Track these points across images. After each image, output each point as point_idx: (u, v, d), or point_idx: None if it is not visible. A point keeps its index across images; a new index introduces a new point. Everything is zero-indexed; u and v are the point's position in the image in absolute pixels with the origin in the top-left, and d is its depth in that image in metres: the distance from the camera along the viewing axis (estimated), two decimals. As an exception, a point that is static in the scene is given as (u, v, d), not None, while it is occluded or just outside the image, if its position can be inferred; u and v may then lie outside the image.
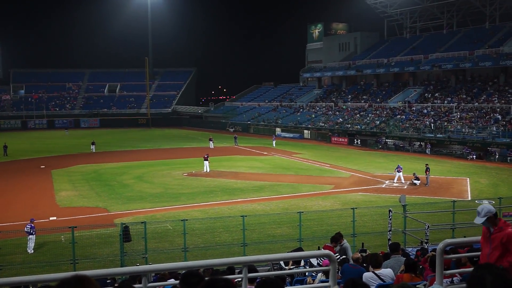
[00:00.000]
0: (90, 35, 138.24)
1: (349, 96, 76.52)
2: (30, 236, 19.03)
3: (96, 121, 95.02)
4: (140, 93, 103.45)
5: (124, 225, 17.84)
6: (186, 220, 18.77)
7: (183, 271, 3.86)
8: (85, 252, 18.42)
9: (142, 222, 18.22)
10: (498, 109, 52.37)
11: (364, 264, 9.61)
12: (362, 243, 17.49)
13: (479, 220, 6.35)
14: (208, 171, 38.39)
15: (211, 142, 56.34)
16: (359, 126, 62.60)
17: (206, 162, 38.72)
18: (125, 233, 17.52)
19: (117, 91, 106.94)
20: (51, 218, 24.14)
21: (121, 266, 16.12)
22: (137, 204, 27.56)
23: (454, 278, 7.51)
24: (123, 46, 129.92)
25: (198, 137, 70.72)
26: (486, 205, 6.60)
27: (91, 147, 53.32)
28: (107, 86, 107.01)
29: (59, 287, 2.55)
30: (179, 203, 27.61)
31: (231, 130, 79.91)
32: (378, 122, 61.27)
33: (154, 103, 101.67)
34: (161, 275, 10.36)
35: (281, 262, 12.85)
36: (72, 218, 23.80)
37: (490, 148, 46.48)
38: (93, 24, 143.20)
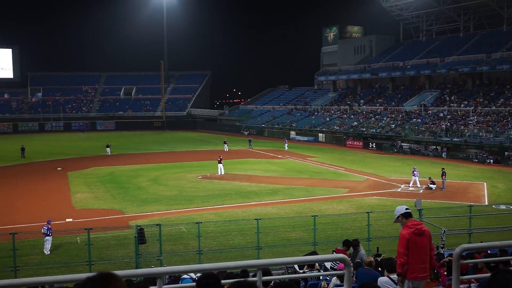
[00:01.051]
0: (106, 39, 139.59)
1: (364, 99, 76.15)
2: (47, 238, 19.23)
3: (111, 123, 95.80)
4: (156, 96, 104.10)
5: (139, 227, 17.94)
6: (201, 222, 18.81)
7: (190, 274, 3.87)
8: (100, 254, 18.55)
9: (157, 225, 18.30)
10: (516, 113, 51.66)
11: (379, 269, 9.54)
12: (377, 248, 17.36)
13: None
14: (222, 174, 38.46)
15: (225, 145, 56.45)
16: (374, 130, 62.23)
17: (220, 165, 38.80)
18: (140, 235, 17.62)
19: (132, 94, 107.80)
20: (67, 220, 24.38)
21: (136, 268, 16.21)
22: (152, 206, 27.71)
23: (471, 284, 7.42)
24: (138, 49, 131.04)
25: (213, 140, 70.91)
26: (399, 207, 7.43)
27: (107, 150, 53.76)
28: (122, 89, 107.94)
29: (85, 285, 2.57)
30: (193, 206, 27.69)
31: (246, 133, 80.00)
32: (393, 125, 60.85)
33: (169, 106, 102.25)
34: (175, 277, 10.41)
35: (295, 266, 12.82)
36: (88, 220, 24.01)
37: (508, 153, 45.86)
38: (109, 27, 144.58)
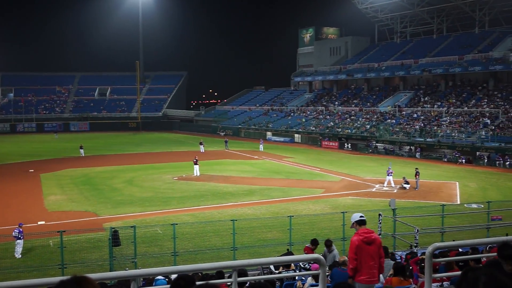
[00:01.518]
0: (80, 39, 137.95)
1: (340, 100, 76.81)
2: (18, 241, 18.83)
3: (86, 124, 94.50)
4: (131, 97, 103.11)
5: (113, 229, 17.72)
6: (176, 224, 18.70)
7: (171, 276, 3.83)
8: (73, 257, 18.26)
9: (131, 226, 18.11)
10: (487, 114, 52.82)
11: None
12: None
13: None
14: (198, 175, 38.30)
15: (201, 146, 56.23)
16: (349, 130, 62.81)
17: (196, 166, 38.64)
18: (114, 238, 17.41)
19: (107, 94, 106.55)
20: (39, 223, 23.92)
21: (110, 271, 16.01)
22: (127, 208, 27.41)
23: (444, 282, 7.54)
24: (113, 49, 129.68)
25: (189, 141, 70.58)
26: (355, 214, 7.90)
27: (80, 151, 52.99)
28: (97, 89, 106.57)
29: None
30: (169, 207, 27.50)
31: (222, 134, 79.89)
32: (368, 126, 61.54)
33: (144, 107, 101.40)
34: (150, 280, 10.31)
35: (271, 266, 12.83)
36: (61, 222, 23.60)
37: (479, 153, 46.84)
38: (83, 27, 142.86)
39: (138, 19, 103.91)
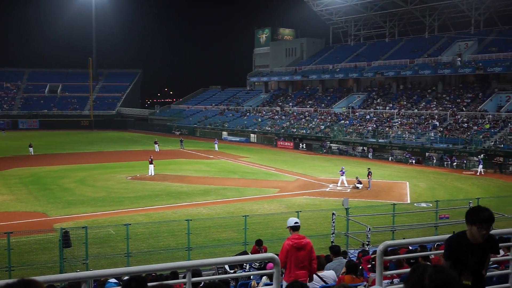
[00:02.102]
0: (30, 34, 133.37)
1: (295, 100, 77.62)
2: (-38, 243, 18.02)
3: (35, 122, 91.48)
4: (83, 94, 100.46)
5: (64, 230, 17.25)
6: (129, 224, 18.38)
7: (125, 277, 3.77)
8: (21, 259, 17.64)
9: (83, 227, 17.67)
10: (436, 116, 54.66)
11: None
12: (306, 246, 17.70)
13: None
14: (153, 174, 37.82)
15: (156, 145, 55.54)
16: (304, 131, 63.57)
17: (151, 166, 38.15)
18: (65, 239, 16.94)
19: (58, 91, 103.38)
20: (-15, 224, 22.98)
21: (60, 273, 15.58)
22: (78, 208, 26.74)
23: (394, 279, 7.74)
24: (65, 45, 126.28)
25: (143, 140, 69.54)
26: (291, 218, 8.38)
27: (29, 150, 51.27)
28: (48, 86, 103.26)
29: None
30: (122, 207, 27.01)
31: (177, 133, 79.17)
32: (323, 126, 62.46)
33: (97, 105, 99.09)
34: (101, 282, 10.10)
35: (226, 266, 12.83)
36: (8, 223, 22.74)
37: (428, 153, 48.42)
38: (34, 21, 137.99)
39: (91, 15, 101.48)
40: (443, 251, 4.53)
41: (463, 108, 54.56)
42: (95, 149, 57.51)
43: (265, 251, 12.56)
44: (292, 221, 8.24)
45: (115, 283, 9.68)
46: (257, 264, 11.61)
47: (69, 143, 65.10)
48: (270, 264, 8.12)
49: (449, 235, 4.72)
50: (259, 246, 13.13)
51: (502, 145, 44.37)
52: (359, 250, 15.72)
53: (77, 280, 4.48)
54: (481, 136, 46.27)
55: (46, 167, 41.79)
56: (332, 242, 17.77)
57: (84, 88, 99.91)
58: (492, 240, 4.38)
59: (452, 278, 1.88)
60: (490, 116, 50.33)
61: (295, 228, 8.14)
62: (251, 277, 10.82)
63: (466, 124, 50.30)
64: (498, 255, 4.58)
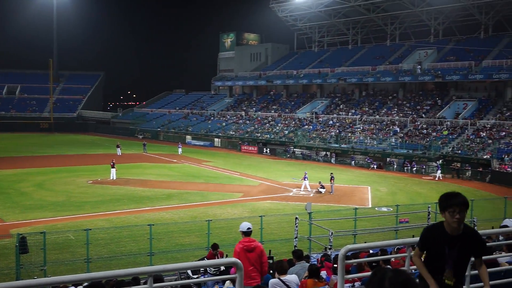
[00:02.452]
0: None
1: (260, 105, 77.90)
2: None
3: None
4: (43, 96, 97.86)
5: (21, 236, 16.73)
6: (90, 229, 18.00)
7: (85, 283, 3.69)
8: (-25, 266, 17.03)
9: (41, 232, 17.19)
10: (397, 122, 55.88)
11: (271, 271, 9.77)
12: (270, 250, 17.76)
13: None
14: (114, 178, 37.18)
15: (118, 148, 54.65)
16: (268, 135, 63.85)
17: (112, 170, 37.50)
18: (22, 244, 16.43)
19: (17, 93, 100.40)
20: None
21: (17, 280, 15.09)
22: (37, 213, 26.01)
23: (355, 283, 7.85)
24: (25, 45, 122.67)
25: (105, 144, 68.33)
26: (244, 223, 8.79)
27: (-14, 152, 49.64)
28: (5, 87, 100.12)
29: None
30: (82, 212, 26.43)
31: (140, 137, 78.18)
32: (287, 131, 62.89)
33: (58, 107, 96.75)
34: (61, 288, 9.86)
35: (189, 271, 12.72)
36: (-38, 228, 21.93)
37: (389, 159, 49.42)
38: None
39: (52, 14, 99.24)
40: (403, 254, 4.61)
41: (423, 115, 55.99)
42: (55, 152, 56.11)
43: (221, 256, 12.46)
44: (245, 226, 8.70)
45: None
46: (213, 270, 11.56)
47: (28, 145, 63.31)
48: (233, 269, 8.10)
49: (410, 239, 4.81)
50: (215, 250, 12.96)
51: (459, 151, 45.74)
52: (321, 254, 15.87)
53: (34, 287, 4.34)
54: (439, 142, 47.58)
55: (2, 171, 40.48)
56: (295, 246, 17.87)
57: (44, 90, 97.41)
58: (474, 236, 4.24)
59: (411, 280, 1.93)
60: (448, 123, 51.83)
61: (247, 233, 8.61)
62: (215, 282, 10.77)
63: (425, 131, 51.63)
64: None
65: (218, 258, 12.07)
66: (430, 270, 4.21)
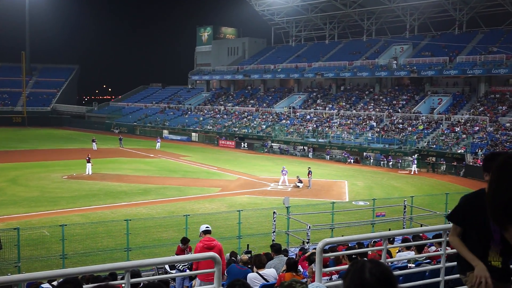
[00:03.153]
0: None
1: (237, 99, 77.77)
2: None
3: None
4: (15, 90, 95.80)
5: (-6, 232, 16.41)
6: (65, 225, 17.76)
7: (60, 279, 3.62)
8: None
9: (15, 228, 16.88)
10: (373, 117, 56.44)
11: (249, 266, 9.78)
12: (248, 245, 17.81)
13: None
14: (90, 173, 36.71)
15: (94, 143, 53.95)
16: (246, 130, 63.81)
17: (88, 164, 37.00)
18: (-5, 241, 16.12)
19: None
20: None
21: (-10, 277, 14.77)
22: (10, 209, 25.52)
23: (333, 276, 7.91)
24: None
25: (80, 138, 67.37)
26: (202, 225, 10.00)
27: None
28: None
29: None
30: (57, 208, 26.04)
31: (116, 131, 77.31)
32: (264, 126, 62.95)
33: (31, 101, 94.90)
34: (36, 285, 9.70)
35: (166, 266, 12.64)
36: None
37: (366, 153, 49.92)
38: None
39: (24, 5, 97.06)
40: (379, 248, 4.02)
41: (399, 110, 56.67)
42: (29, 147, 55.09)
43: (190, 251, 12.32)
44: (203, 226, 10.02)
45: (48, 287, 9.29)
46: (181, 266, 11.53)
47: (0, 140, 62.00)
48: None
49: (386, 232, 4.75)
50: (184, 245, 12.41)
51: (434, 146, 46.46)
52: (299, 248, 15.96)
53: (8, 283, 4.25)
54: (415, 137, 48.22)
55: (-26, 166, 39.62)
56: (273, 240, 17.94)
57: (17, 83, 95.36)
58: None
59: (389, 270, 1.95)
60: (424, 117, 52.56)
61: (206, 232, 9.81)
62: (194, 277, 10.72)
63: (401, 125, 52.27)
64: None
65: (187, 253, 11.94)
66: (472, 250, 3.57)
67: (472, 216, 3.54)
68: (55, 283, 9.18)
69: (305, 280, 8.13)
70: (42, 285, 9.41)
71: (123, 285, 4.13)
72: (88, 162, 37.08)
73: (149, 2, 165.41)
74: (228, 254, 12.96)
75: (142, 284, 7.57)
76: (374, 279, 1.84)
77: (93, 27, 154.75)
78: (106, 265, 4.70)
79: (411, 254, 9.45)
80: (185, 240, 12.49)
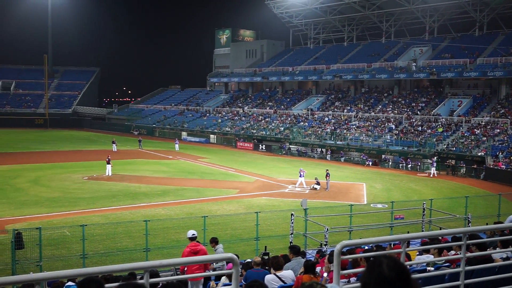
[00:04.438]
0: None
1: (255, 102, 77.86)
2: None
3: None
4: (38, 92, 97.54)
5: (16, 231, 16.69)
6: (86, 225, 17.99)
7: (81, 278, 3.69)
8: (-30, 261, 16.98)
9: (37, 228, 17.16)
10: (392, 119, 55.99)
11: (266, 267, 9.80)
12: (265, 246, 17.82)
13: None
14: (110, 174, 37.12)
15: (114, 145, 54.54)
16: (264, 132, 63.85)
17: (108, 166, 37.43)
18: (18, 240, 16.40)
19: (11, 88, 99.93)
20: None
21: (13, 275, 15.07)
22: (32, 209, 25.95)
23: (351, 278, 7.89)
24: (19, 40, 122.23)
25: (101, 140, 68.17)
26: (190, 231, 11.01)
27: (-20, 148, 49.42)
28: (0, 83, 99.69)
29: None
30: (78, 208, 26.40)
31: (136, 133, 78.02)
32: (282, 128, 62.90)
33: (53, 103, 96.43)
34: (57, 284, 9.87)
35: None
36: (-44, 224, 21.86)
37: (384, 155, 49.53)
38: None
39: (47, 10, 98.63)
40: (398, 250, 3.78)
41: (418, 112, 56.13)
42: (50, 148, 55.95)
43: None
44: (190, 233, 11.05)
45: (73, 284, 9.45)
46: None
47: (23, 141, 63.11)
48: (230, 264, 8.13)
49: (405, 234, 4.72)
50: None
51: (454, 148, 45.89)
52: (317, 250, 15.92)
53: (30, 282, 4.34)
54: (434, 139, 47.71)
55: (-3, 167, 40.37)
56: (290, 242, 17.92)
57: (39, 86, 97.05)
58: None
59: (406, 266, 1.99)
60: (443, 120, 51.97)
61: (192, 239, 10.86)
62: (211, 277, 10.80)
63: (420, 128, 51.75)
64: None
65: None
66: None
67: None
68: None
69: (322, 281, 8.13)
70: (68, 284, 9.58)
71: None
72: (108, 163, 37.50)
73: (169, 6, 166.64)
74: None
75: (161, 284, 7.66)
76: (392, 274, 1.91)
77: (114, 30, 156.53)
78: (126, 265, 4.77)
79: (430, 257, 9.36)
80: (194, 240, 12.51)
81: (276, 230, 21.53)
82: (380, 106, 61.36)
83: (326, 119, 61.82)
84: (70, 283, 9.48)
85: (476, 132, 47.09)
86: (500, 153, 41.80)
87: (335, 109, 64.50)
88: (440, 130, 49.95)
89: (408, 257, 9.86)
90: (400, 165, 47.36)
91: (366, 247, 11.51)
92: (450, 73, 56.54)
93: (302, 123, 62.89)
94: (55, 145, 60.08)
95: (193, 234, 10.93)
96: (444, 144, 47.12)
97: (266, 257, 12.54)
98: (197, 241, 11.06)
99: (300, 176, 34.42)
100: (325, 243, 17.76)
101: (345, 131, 56.06)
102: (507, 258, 6.86)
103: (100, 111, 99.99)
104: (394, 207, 22.75)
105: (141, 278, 5.93)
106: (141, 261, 16.75)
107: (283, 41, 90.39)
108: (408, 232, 19.31)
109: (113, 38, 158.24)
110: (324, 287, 3.23)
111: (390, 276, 1.88)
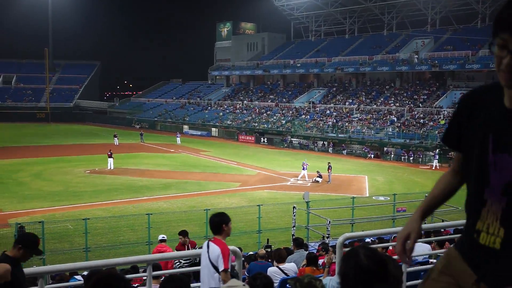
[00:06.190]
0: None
1: (257, 95, 77.77)
2: None
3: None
4: (39, 86, 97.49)
5: (19, 225, 16.76)
6: (88, 219, 18.06)
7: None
8: (-26, 255, 17.02)
9: (39, 222, 17.24)
10: (394, 112, 55.90)
11: (269, 260, 9.82)
12: (268, 239, 17.87)
13: None
14: (112, 168, 37.17)
15: (115, 138, 54.55)
16: (266, 125, 63.81)
17: (110, 159, 37.47)
18: (20, 234, 16.45)
19: (12, 82, 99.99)
20: None
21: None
22: (35, 203, 26.02)
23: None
24: (20, 34, 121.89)
25: (102, 133, 68.20)
26: (160, 235, 12.15)
27: (-17, 142, 49.48)
28: (1, 77, 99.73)
29: None
30: (80, 202, 26.45)
31: (137, 126, 78.06)
32: (284, 121, 62.86)
33: (54, 97, 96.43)
34: (61, 277, 9.90)
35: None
36: (-40, 218, 21.93)
37: (386, 148, 49.49)
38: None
39: (48, 3, 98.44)
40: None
41: (420, 104, 56.01)
42: (52, 142, 56.01)
43: (193, 246, 12.24)
44: (160, 236, 12.51)
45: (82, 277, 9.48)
46: (183, 261, 11.33)
47: (24, 136, 63.18)
48: (233, 257, 8.13)
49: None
50: (183, 237, 11.87)
51: (456, 140, 45.75)
52: (319, 242, 15.95)
53: (33, 275, 4.37)
54: (436, 132, 47.62)
55: (-1, 161, 40.46)
56: (293, 235, 17.95)
57: (40, 80, 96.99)
58: None
59: (382, 253, 1.99)
60: (445, 112, 51.85)
61: (162, 241, 12.21)
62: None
63: (422, 120, 51.67)
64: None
65: (188, 248, 11.83)
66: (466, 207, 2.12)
67: (472, 129, 2.01)
68: (79, 276, 9.37)
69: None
70: (75, 276, 9.61)
71: (145, 277, 4.21)
72: (110, 157, 37.54)
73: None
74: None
75: (164, 277, 7.67)
76: (370, 262, 1.90)
77: (115, 24, 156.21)
78: (129, 258, 4.79)
79: (423, 246, 9.23)
80: (184, 233, 12.00)
81: (279, 223, 21.57)
82: (382, 99, 61.24)
83: (328, 112, 61.74)
84: (78, 277, 9.51)
85: (478, 124, 46.92)
86: (502, 145, 41.68)
87: (337, 102, 64.38)
88: (442, 122, 49.84)
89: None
90: (402, 157, 47.32)
91: (369, 240, 11.52)
92: (452, 65, 56.34)
93: (304, 116, 62.82)
94: (56, 139, 60.14)
95: (163, 237, 12.38)
96: (446, 137, 46.98)
97: (268, 250, 12.56)
98: (165, 244, 12.24)
99: (303, 169, 34.43)
100: (327, 235, 17.79)
101: (346, 124, 55.99)
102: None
103: (102, 105, 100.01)
104: (396, 200, 22.77)
105: (144, 271, 5.94)
106: (144, 254, 16.80)
107: (284, 34, 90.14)
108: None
109: (114, 31, 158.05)
110: (322, 284, 3.23)
111: (368, 265, 1.86)
